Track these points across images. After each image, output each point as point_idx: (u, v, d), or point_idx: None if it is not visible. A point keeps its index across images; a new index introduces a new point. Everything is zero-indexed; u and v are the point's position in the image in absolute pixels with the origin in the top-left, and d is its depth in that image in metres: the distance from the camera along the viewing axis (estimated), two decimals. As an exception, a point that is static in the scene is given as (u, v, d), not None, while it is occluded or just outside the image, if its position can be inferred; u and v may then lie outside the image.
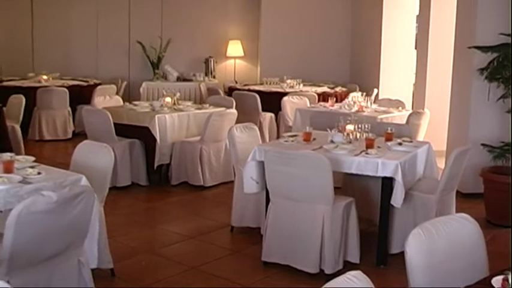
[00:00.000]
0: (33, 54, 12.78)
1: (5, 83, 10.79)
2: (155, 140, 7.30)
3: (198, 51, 12.65)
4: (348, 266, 4.83)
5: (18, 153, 5.08)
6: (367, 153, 5.12)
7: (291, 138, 5.73)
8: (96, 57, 12.79)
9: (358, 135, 5.62)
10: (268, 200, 5.09)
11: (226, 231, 6.01)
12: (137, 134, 7.49)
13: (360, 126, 5.67)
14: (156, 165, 7.43)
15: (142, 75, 12.44)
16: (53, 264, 3.67)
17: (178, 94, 8.29)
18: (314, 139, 5.69)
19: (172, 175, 7.58)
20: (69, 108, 10.70)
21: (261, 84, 11.45)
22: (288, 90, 10.46)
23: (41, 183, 4.05)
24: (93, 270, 4.08)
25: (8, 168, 4.23)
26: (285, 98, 9.46)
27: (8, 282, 2.13)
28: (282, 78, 11.06)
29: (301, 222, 4.84)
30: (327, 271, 4.75)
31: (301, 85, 10.85)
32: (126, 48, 12.78)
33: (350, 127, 5.68)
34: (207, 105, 8.41)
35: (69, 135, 10.68)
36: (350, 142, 5.49)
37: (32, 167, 4.36)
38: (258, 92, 10.13)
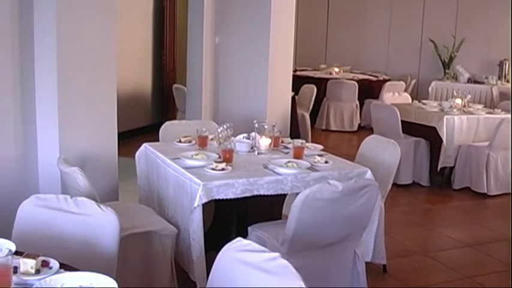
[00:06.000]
0: (326, 47, 13.26)
1: (298, 73, 11.29)
2: (441, 141, 7.18)
3: (492, 53, 12.10)
4: None
5: (305, 140, 5.28)
6: None
7: None
8: (387, 53, 12.89)
9: None
10: (556, 219, 4.75)
11: (506, 244, 5.68)
12: (423, 133, 7.44)
13: None
14: (439, 166, 7.30)
15: (432, 74, 12.27)
16: (330, 251, 3.76)
17: (469, 96, 8.07)
18: None
19: (455, 179, 7.39)
20: (357, 102, 10.93)
21: None
22: None
23: (327, 172, 4.14)
24: (366, 263, 4.10)
25: (298, 154, 4.41)
26: None
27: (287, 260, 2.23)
28: None
29: None
30: None
31: None
32: (417, 46, 12.69)
33: None
34: (499, 110, 8.07)
35: (355, 128, 10.91)
36: None
37: (320, 155, 4.48)
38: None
